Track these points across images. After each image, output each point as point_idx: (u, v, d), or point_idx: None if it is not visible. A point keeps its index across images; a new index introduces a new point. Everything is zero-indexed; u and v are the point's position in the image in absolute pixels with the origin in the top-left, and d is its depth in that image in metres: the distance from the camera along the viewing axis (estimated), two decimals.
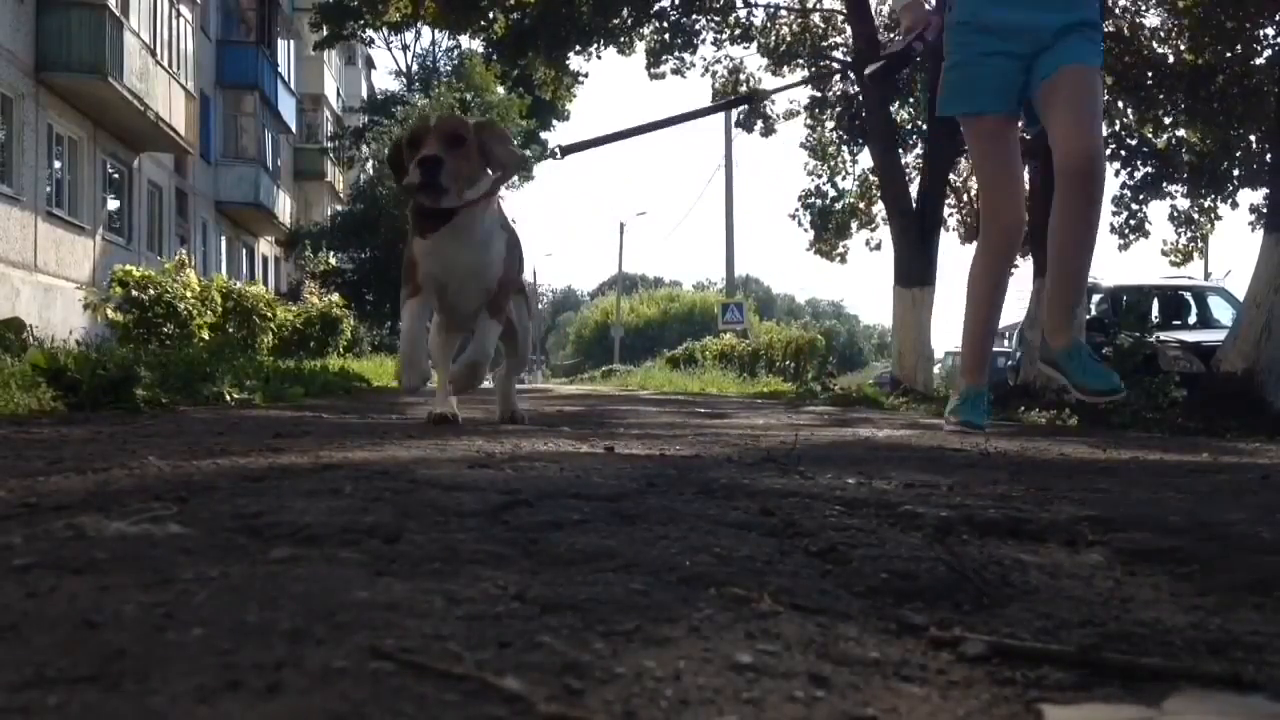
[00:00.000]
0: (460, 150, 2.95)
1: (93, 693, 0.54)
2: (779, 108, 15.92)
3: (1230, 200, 12.88)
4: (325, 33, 12.96)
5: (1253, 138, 11.72)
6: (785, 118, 15.91)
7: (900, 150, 13.13)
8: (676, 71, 14.59)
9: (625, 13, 12.82)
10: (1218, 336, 8.20)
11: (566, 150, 3.76)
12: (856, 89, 13.60)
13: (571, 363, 57.94)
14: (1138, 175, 13.46)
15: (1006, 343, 19.10)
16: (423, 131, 2.99)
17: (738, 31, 14.76)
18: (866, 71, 5.23)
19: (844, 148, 15.50)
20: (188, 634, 0.65)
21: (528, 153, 3.85)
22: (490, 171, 3.12)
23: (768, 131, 15.81)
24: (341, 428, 3.01)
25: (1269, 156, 8.09)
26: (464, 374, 3.14)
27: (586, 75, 12.98)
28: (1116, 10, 12.67)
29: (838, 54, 14.82)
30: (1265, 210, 5.55)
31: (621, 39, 13.45)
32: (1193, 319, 11.49)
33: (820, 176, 15.78)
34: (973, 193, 15.16)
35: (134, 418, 3.10)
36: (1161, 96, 12.34)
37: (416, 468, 1.61)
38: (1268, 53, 11.31)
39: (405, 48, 39.98)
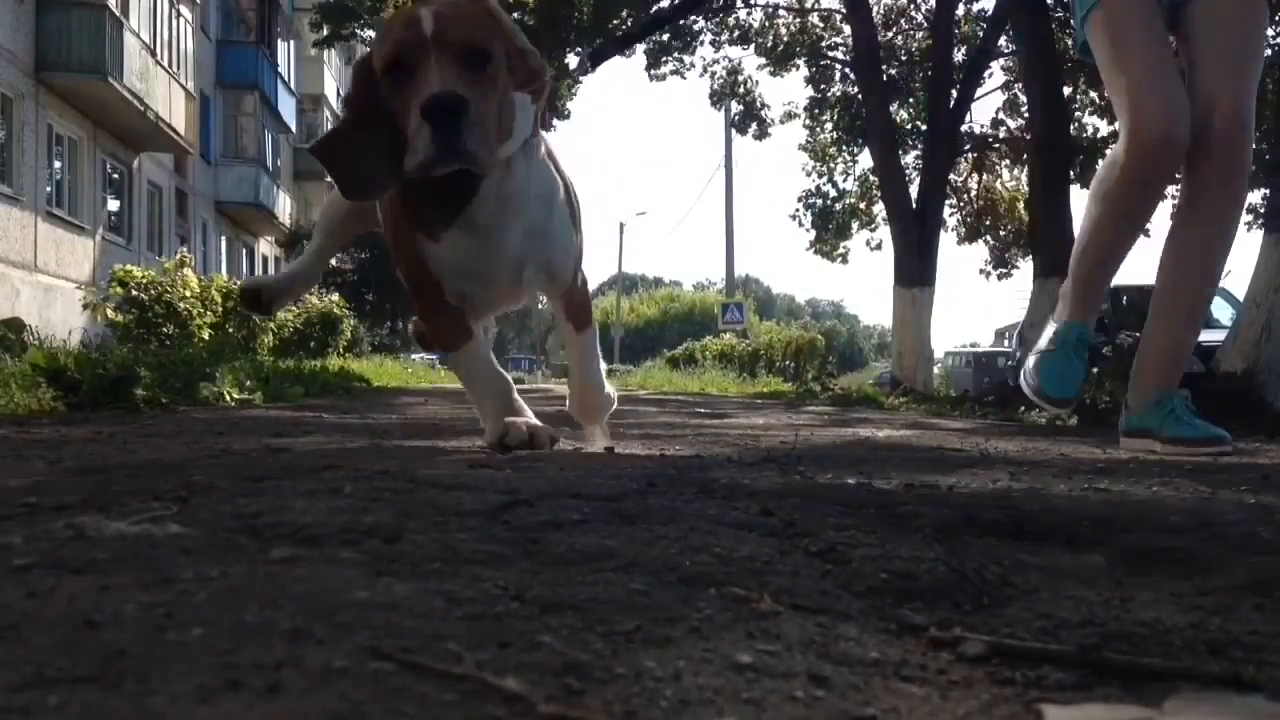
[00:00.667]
0: (486, 73, 1.69)
1: (93, 693, 0.54)
2: (775, 113, 15.94)
3: None
4: (325, 32, 12.97)
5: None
6: (783, 120, 15.90)
7: (900, 151, 13.14)
8: (676, 73, 14.60)
9: (625, 13, 12.82)
10: (1218, 336, 8.19)
11: (595, 59, 3.33)
12: (856, 89, 13.61)
13: None
14: None
15: (1006, 343, 19.11)
16: (417, 45, 1.65)
17: (736, 33, 14.76)
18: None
19: (843, 149, 15.52)
20: (188, 634, 0.65)
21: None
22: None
23: (761, 135, 15.80)
24: (341, 428, 3.02)
25: (1268, 156, 8.08)
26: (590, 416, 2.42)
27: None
28: None
29: (837, 54, 14.83)
30: (1265, 210, 5.56)
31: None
32: None
33: (821, 177, 15.80)
34: (973, 193, 15.17)
35: (134, 418, 3.10)
36: None
37: (416, 468, 1.61)
38: (1267, 52, 11.30)
39: None
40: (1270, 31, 11.38)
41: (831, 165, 15.67)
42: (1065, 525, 1.20)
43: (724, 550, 1.00)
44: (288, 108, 27.07)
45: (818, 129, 15.50)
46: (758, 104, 15.73)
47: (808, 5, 14.76)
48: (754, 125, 15.86)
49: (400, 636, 0.66)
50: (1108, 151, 2.68)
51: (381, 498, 1.24)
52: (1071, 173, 10.17)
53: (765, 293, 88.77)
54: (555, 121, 12.51)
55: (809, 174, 15.83)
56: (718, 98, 15.86)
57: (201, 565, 0.85)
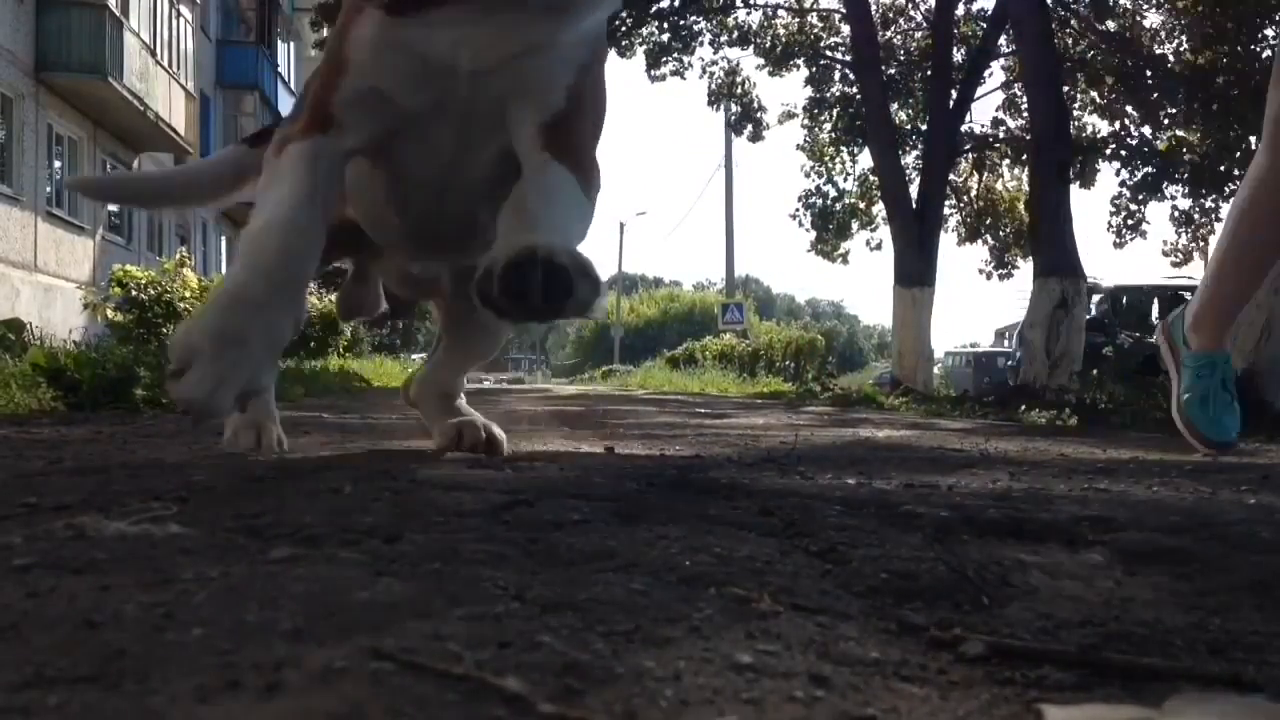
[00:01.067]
0: None
1: (93, 693, 0.54)
2: (772, 114, 15.88)
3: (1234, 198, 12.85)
4: (325, 32, 12.97)
5: (1253, 139, 11.73)
6: (781, 120, 15.87)
7: (900, 151, 13.13)
8: (676, 73, 14.59)
9: (625, 14, 12.82)
10: None
11: None
12: (856, 89, 13.61)
13: (571, 363, 57.88)
14: (1138, 175, 13.48)
15: (1006, 343, 19.12)
16: None
17: (735, 35, 14.75)
18: None
19: (842, 149, 15.51)
20: (188, 634, 0.65)
21: None
22: None
23: (756, 136, 15.74)
24: (341, 428, 3.02)
25: None
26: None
27: None
28: (1117, 10, 12.67)
29: (836, 54, 14.82)
30: None
31: (623, 42, 13.45)
32: None
33: (820, 177, 15.79)
34: (973, 193, 15.18)
35: (134, 418, 3.10)
36: (1157, 96, 12.33)
37: (416, 468, 1.61)
38: (1267, 53, 11.31)
39: None
40: (1269, 32, 11.38)
41: (830, 165, 15.65)
42: (1065, 525, 1.20)
43: (724, 550, 1.00)
44: (288, 108, 27.06)
45: (815, 129, 15.48)
46: (755, 105, 15.70)
47: (806, 5, 14.76)
48: (749, 126, 15.81)
49: (400, 636, 0.66)
50: None
51: (381, 498, 1.24)
52: (1071, 172, 10.18)
53: (765, 293, 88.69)
54: None
55: (807, 175, 15.82)
56: (715, 98, 15.83)
57: (201, 565, 0.85)
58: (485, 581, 0.83)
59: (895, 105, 13.87)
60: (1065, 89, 11.19)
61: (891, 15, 14.63)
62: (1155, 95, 12.41)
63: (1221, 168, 12.31)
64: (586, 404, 6.89)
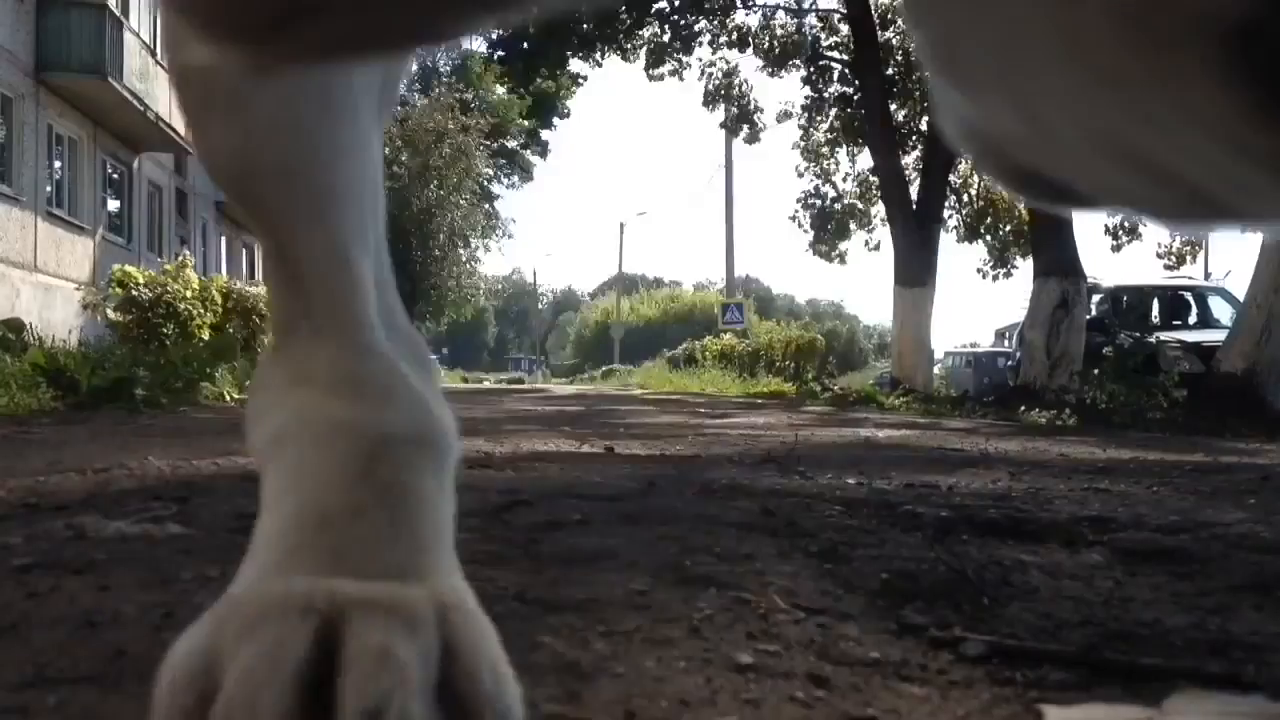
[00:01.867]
0: None
1: (93, 693, 0.54)
2: (770, 114, 15.83)
3: None
4: None
5: None
6: (780, 119, 15.85)
7: (900, 151, 13.12)
8: (675, 73, 14.58)
9: (625, 14, 12.82)
10: (1218, 336, 8.21)
11: None
12: (855, 90, 13.61)
13: (571, 363, 57.89)
14: None
15: (1006, 343, 19.12)
16: None
17: (735, 36, 14.74)
18: None
19: (839, 149, 15.47)
20: None
21: None
22: None
23: (753, 139, 15.70)
24: None
25: None
26: None
27: (586, 78, 13.02)
28: None
29: (835, 54, 14.82)
30: None
31: (627, 45, 13.45)
32: (1193, 319, 11.48)
33: (819, 178, 15.77)
34: (973, 193, 15.18)
35: (134, 418, 3.10)
36: None
37: None
38: None
39: None
40: None
41: (827, 166, 15.62)
42: (1065, 525, 1.20)
43: (724, 550, 1.00)
44: None
45: (812, 130, 15.44)
46: (751, 107, 15.65)
47: (805, 4, 14.75)
48: (745, 128, 15.76)
49: None
50: None
51: None
52: None
53: (765, 293, 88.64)
54: (556, 120, 12.49)
55: (801, 174, 15.79)
56: (711, 100, 15.78)
57: (201, 565, 0.85)
58: (485, 581, 0.83)
59: (895, 105, 13.86)
60: None
61: (891, 16, 14.62)
62: None
63: None
64: (586, 404, 6.90)
